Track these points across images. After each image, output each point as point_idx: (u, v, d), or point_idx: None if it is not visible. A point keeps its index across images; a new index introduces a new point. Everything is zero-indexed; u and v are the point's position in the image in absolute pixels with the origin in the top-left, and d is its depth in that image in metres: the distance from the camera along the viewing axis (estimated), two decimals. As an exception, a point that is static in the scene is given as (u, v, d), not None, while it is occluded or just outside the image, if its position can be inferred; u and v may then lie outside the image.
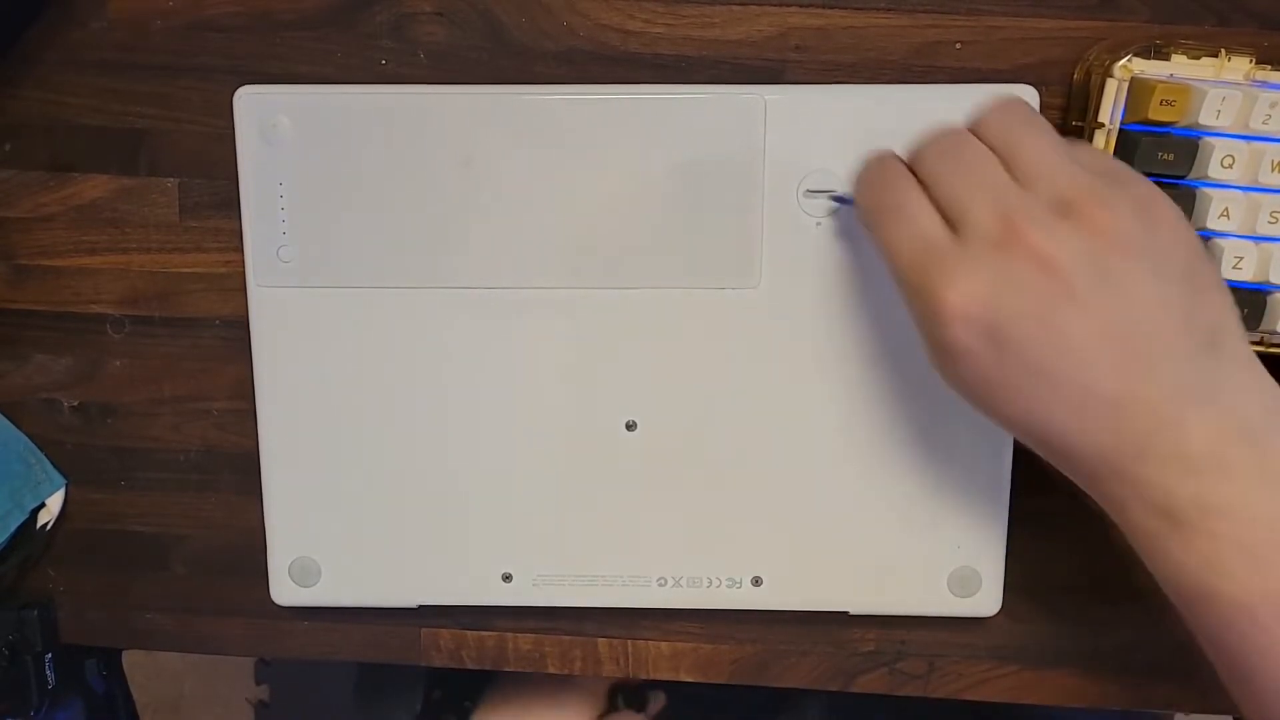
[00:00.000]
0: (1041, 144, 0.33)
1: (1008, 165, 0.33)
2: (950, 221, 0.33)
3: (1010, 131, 0.33)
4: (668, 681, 0.58)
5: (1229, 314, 0.32)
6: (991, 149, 0.33)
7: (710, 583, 0.44)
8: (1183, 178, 0.39)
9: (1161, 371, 0.30)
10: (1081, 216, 0.31)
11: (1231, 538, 0.30)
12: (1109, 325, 0.31)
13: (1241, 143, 0.39)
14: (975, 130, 0.34)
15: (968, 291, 0.31)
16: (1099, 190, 0.31)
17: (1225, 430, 0.30)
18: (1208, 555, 0.30)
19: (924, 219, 0.33)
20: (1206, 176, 0.39)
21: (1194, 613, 0.31)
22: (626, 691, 0.56)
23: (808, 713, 0.58)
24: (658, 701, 0.58)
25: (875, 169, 0.36)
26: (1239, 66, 0.39)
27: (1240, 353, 0.32)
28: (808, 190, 0.41)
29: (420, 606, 0.45)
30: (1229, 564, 0.30)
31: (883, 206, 0.34)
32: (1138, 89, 0.39)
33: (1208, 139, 0.39)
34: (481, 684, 0.57)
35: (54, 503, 0.46)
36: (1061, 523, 0.44)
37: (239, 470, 0.46)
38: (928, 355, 0.34)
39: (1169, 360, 0.31)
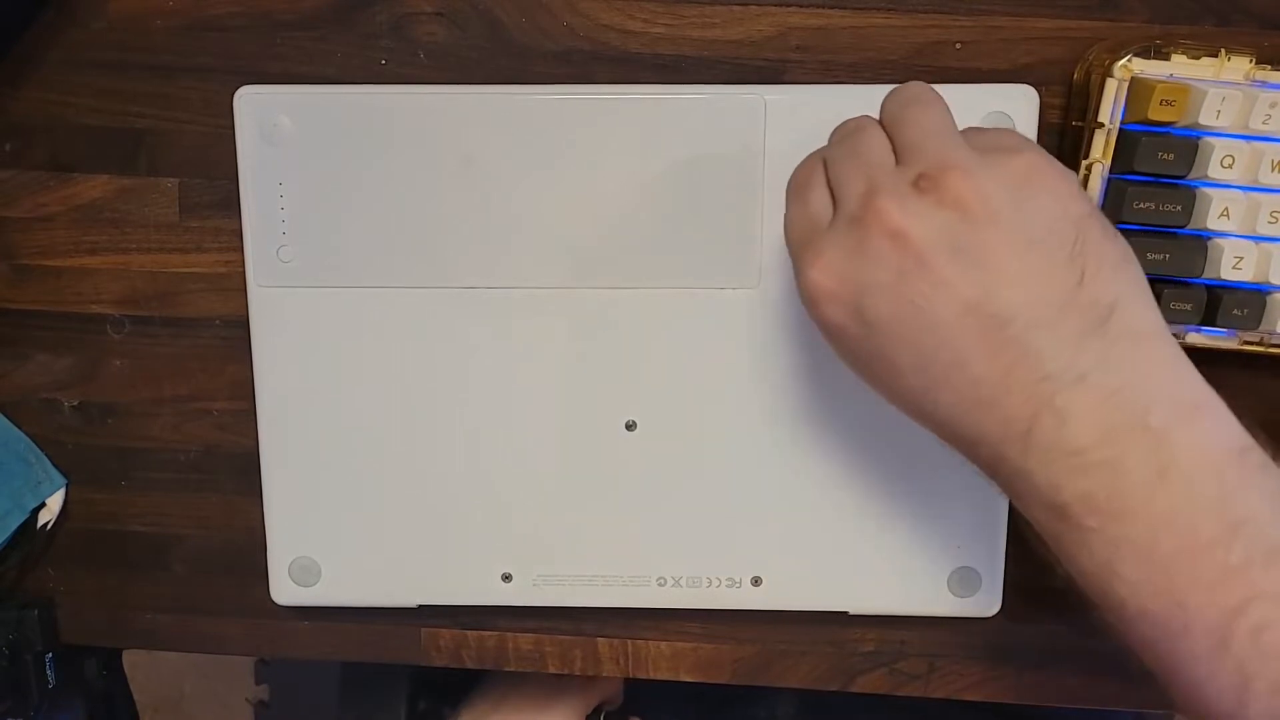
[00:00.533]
0: (924, 121, 0.32)
1: (894, 147, 0.32)
2: (835, 203, 0.32)
3: (897, 111, 0.33)
4: (657, 699, 0.58)
5: (1131, 292, 0.29)
6: (886, 133, 0.33)
7: (710, 583, 0.44)
8: (1183, 178, 0.39)
9: (1038, 351, 0.28)
10: (941, 189, 0.29)
11: (1129, 542, 0.27)
12: (971, 299, 0.29)
13: (1241, 143, 0.39)
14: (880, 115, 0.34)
15: (827, 267, 0.31)
16: (965, 163, 0.30)
17: (1117, 419, 0.28)
18: (1106, 560, 0.28)
19: (814, 200, 0.33)
20: (1206, 176, 0.39)
21: (1104, 616, 0.30)
22: (610, 715, 0.56)
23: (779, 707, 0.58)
24: None
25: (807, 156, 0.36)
26: (1239, 66, 0.39)
27: (1143, 332, 0.29)
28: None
29: (420, 606, 0.45)
30: (1129, 571, 0.28)
31: (790, 188, 0.35)
32: (1138, 89, 0.39)
33: (1208, 139, 0.39)
34: (465, 696, 0.57)
35: (54, 503, 0.46)
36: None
37: (239, 470, 0.46)
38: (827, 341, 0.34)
39: (1047, 338, 0.28)
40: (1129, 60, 0.39)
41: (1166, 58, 0.39)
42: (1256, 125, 0.38)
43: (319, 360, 0.43)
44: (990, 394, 0.29)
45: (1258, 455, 0.28)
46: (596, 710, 0.56)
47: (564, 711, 0.54)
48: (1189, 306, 0.40)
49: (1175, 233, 0.40)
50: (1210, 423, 0.28)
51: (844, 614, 0.45)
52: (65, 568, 0.47)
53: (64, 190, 0.44)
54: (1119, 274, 0.30)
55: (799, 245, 0.33)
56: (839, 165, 0.33)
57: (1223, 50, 0.39)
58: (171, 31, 0.42)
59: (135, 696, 0.55)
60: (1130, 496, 0.28)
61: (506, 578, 0.44)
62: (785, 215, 0.34)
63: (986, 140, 0.32)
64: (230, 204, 0.43)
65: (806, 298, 0.32)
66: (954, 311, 0.29)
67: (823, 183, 0.33)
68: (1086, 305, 0.29)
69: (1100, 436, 0.28)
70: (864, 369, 0.33)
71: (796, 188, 0.34)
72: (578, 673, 0.47)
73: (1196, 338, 0.41)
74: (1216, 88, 0.38)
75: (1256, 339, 0.41)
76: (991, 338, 0.29)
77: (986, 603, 0.44)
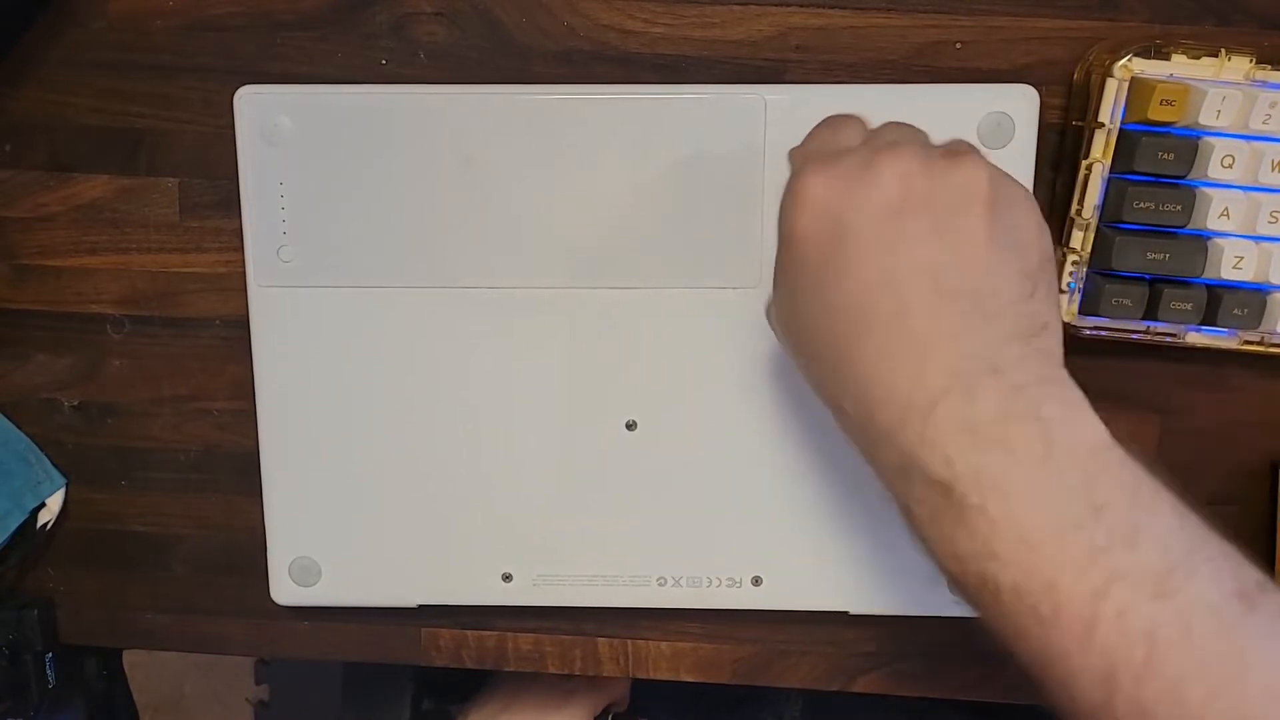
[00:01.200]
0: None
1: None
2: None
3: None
4: (660, 702, 0.58)
5: (1056, 324, 0.32)
6: None
7: (710, 583, 0.44)
8: (1183, 178, 0.39)
9: (972, 333, 0.30)
10: (962, 164, 0.32)
11: (1008, 519, 0.29)
12: (939, 263, 0.31)
13: (1241, 142, 0.39)
14: None
15: (830, 178, 0.32)
16: (991, 164, 0.32)
17: (1017, 408, 0.30)
18: (985, 538, 0.29)
19: (846, 133, 0.34)
20: (1206, 176, 0.39)
21: (977, 605, 0.30)
22: (617, 717, 0.56)
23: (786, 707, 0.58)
24: None
25: None
26: (1239, 66, 0.39)
27: (1053, 354, 0.31)
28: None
29: (420, 606, 0.45)
30: (1005, 550, 0.29)
31: (826, 119, 0.36)
32: (1138, 89, 0.39)
33: (1208, 139, 0.39)
34: (470, 696, 0.57)
35: (54, 503, 0.46)
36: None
37: (239, 470, 0.46)
38: (776, 267, 0.34)
39: (984, 326, 0.31)
40: (1129, 60, 0.39)
41: (1166, 58, 0.39)
42: (1256, 125, 0.38)
43: (319, 360, 0.43)
44: (916, 352, 0.31)
45: (1119, 453, 0.30)
46: (604, 711, 0.56)
47: (573, 712, 0.54)
48: (1189, 306, 0.40)
49: (1175, 232, 0.40)
50: (1084, 421, 0.30)
51: (844, 614, 0.45)
52: (65, 568, 0.47)
53: (64, 190, 0.44)
54: (1054, 308, 0.33)
55: (809, 157, 0.33)
56: (886, 128, 0.35)
57: (1223, 50, 0.39)
58: (171, 31, 0.42)
59: (135, 696, 0.55)
60: (1013, 475, 0.29)
61: (506, 578, 0.44)
62: (807, 136, 0.35)
63: None
64: (230, 204, 0.43)
65: (793, 199, 0.33)
66: (919, 265, 0.31)
67: (862, 129, 0.35)
68: (1026, 316, 0.31)
69: (999, 417, 0.30)
70: (804, 298, 0.33)
71: (833, 120, 0.35)
72: (577, 673, 0.47)
73: (1197, 337, 0.41)
74: (1216, 88, 0.38)
75: (1257, 339, 0.41)
76: (940, 303, 0.31)
77: (986, 603, 0.44)
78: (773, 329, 0.37)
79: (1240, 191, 0.39)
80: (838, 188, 0.32)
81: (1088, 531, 0.28)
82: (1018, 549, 0.29)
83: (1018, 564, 0.29)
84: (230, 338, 0.44)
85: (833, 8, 0.41)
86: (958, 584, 0.31)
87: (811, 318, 0.33)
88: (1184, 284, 0.40)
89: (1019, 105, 0.40)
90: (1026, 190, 0.33)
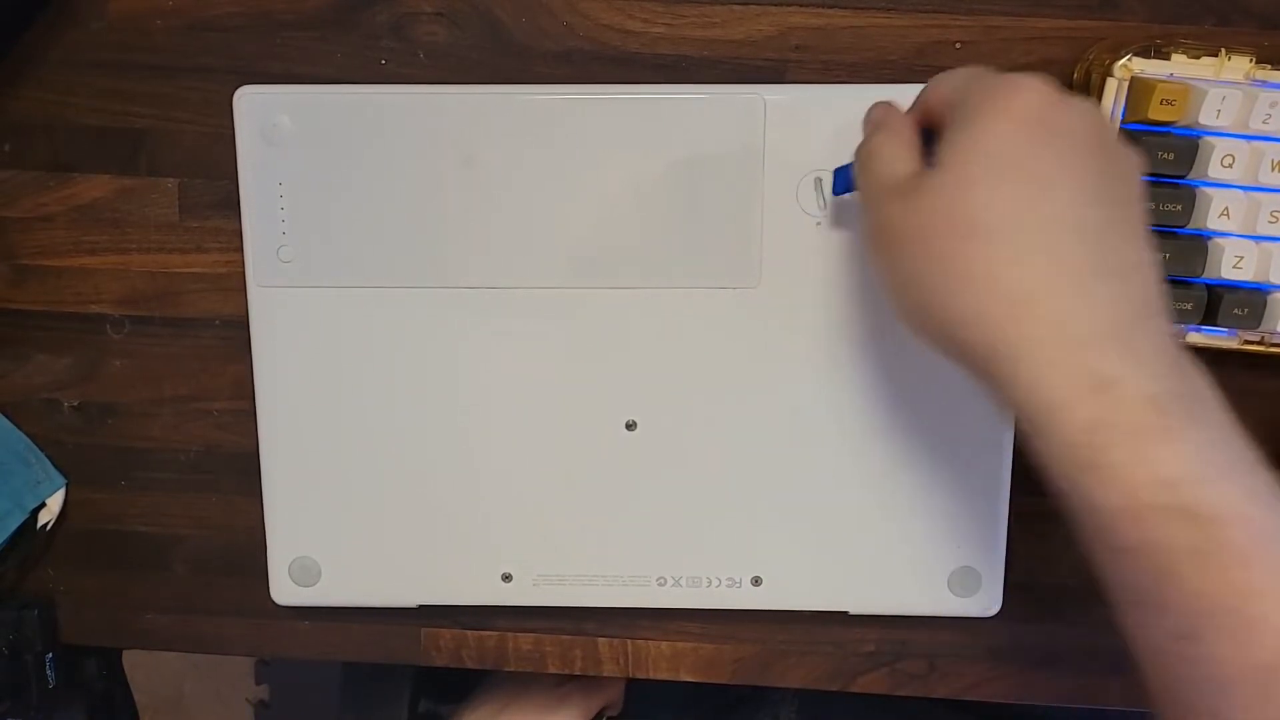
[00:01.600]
0: None
1: None
2: None
3: None
4: (657, 704, 0.58)
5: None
6: None
7: (710, 583, 0.44)
8: (1183, 177, 0.39)
9: (1157, 272, 0.32)
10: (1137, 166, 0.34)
11: (1207, 448, 0.30)
12: (1134, 204, 0.32)
13: (1241, 142, 0.39)
14: None
15: (1051, 90, 0.32)
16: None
17: (1181, 357, 0.31)
18: (1191, 461, 0.30)
19: None
20: (1206, 176, 0.39)
21: (1155, 539, 0.30)
22: None
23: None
24: None
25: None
26: (1239, 66, 0.39)
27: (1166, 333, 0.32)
28: (807, 190, 0.41)
29: (420, 606, 0.45)
30: (1213, 475, 0.30)
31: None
32: (1138, 88, 0.39)
33: (1208, 138, 0.39)
34: (467, 698, 0.57)
35: (54, 503, 0.46)
36: (1061, 523, 0.43)
37: (239, 470, 0.46)
38: (974, 118, 0.33)
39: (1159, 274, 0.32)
40: (1129, 60, 0.39)
41: (1166, 57, 0.39)
42: (1256, 125, 0.38)
43: (319, 360, 0.43)
44: (1125, 270, 0.31)
45: None
46: (599, 714, 0.56)
47: (568, 715, 0.54)
48: (1189, 306, 0.40)
49: (1175, 232, 0.40)
50: None
51: (844, 614, 0.45)
52: (65, 568, 0.47)
53: (64, 190, 0.44)
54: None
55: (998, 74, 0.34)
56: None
57: (1223, 50, 0.39)
58: (171, 31, 0.42)
59: (135, 696, 0.55)
60: (1199, 401, 0.31)
61: (506, 578, 0.44)
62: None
63: None
64: (230, 204, 0.43)
65: (1014, 85, 0.32)
66: (1121, 197, 0.32)
67: None
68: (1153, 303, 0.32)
69: (1174, 350, 0.31)
70: (994, 182, 0.32)
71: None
72: (578, 672, 0.47)
73: (1197, 337, 0.41)
74: (1216, 87, 0.38)
75: (1257, 339, 0.41)
76: (1139, 238, 0.32)
77: (986, 603, 0.44)
78: (892, 228, 0.34)
79: (1240, 191, 0.39)
80: (1057, 102, 0.32)
81: (1250, 473, 0.30)
82: (1221, 475, 0.30)
83: (1223, 491, 0.29)
84: (230, 338, 0.44)
85: (833, 8, 0.41)
86: (1135, 516, 0.30)
87: (1003, 202, 0.31)
88: (1184, 284, 0.40)
89: (1019, 105, 0.40)
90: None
